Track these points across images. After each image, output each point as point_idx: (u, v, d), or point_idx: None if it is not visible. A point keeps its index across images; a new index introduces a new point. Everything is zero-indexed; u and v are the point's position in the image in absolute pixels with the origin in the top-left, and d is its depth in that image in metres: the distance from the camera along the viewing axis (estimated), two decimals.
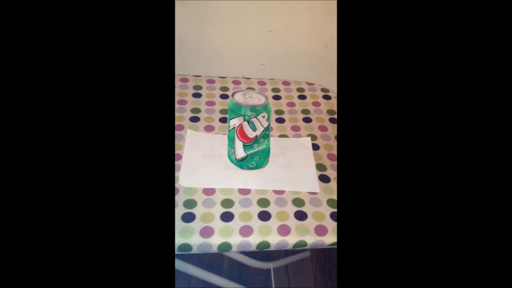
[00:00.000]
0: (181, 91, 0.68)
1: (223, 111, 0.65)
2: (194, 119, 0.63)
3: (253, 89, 0.72)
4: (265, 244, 0.46)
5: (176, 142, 0.58)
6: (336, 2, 0.72)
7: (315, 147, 0.60)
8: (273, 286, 1.07)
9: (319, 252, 1.20)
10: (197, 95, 0.68)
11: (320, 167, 0.57)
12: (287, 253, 1.17)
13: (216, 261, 1.11)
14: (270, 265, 1.10)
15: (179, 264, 0.75)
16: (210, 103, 0.67)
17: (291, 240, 0.47)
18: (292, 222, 0.48)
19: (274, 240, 0.46)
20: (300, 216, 0.49)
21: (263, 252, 1.14)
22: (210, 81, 0.72)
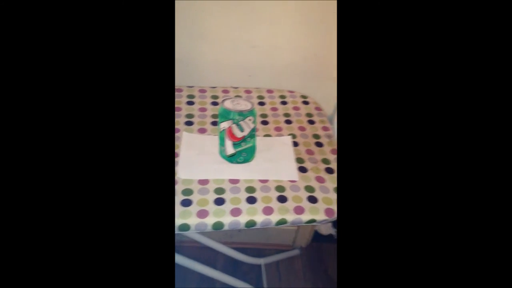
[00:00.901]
0: (176, 100, 0.77)
1: (214, 116, 0.74)
2: (189, 123, 0.71)
3: (240, 96, 0.81)
4: (252, 223, 0.54)
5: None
6: (314, 18, 0.83)
7: (295, 144, 0.70)
8: (264, 282, 1.14)
9: (307, 251, 1.27)
10: (190, 103, 0.77)
11: (299, 160, 0.66)
12: (278, 251, 1.23)
13: (211, 257, 1.18)
14: (261, 261, 1.16)
15: (178, 259, 0.82)
16: (202, 109, 0.76)
17: (274, 218, 0.55)
18: (275, 204, 0.57)
19: (260, 219, 0.55)
20: (282, 199, 0.58)
21: (255, 251, 1.21)
22: (202, 90, 0.81)
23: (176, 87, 0.81)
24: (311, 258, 1.26)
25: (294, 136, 0.71)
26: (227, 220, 0.54)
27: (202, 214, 0.54)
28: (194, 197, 0.56)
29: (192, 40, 0.86)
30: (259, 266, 1.19)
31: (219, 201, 0.56)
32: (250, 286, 0.97)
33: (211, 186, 0.59)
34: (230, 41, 0.87)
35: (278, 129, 0.73)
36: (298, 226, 1.22)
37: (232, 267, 1.19)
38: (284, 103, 0.81)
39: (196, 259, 0.89)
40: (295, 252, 1.23)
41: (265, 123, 0.74)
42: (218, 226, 0.54)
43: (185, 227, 0.53)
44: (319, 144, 0.70)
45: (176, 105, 0.76)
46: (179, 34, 0.85)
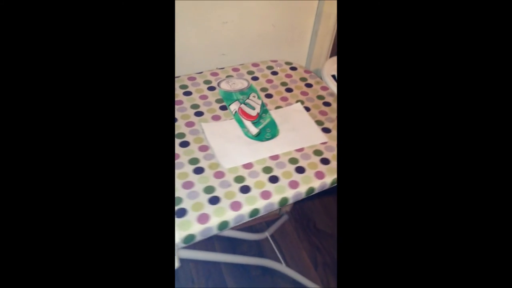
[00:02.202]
0: None
1: (218, 101, 0.72)
2: (199, 114, 0.69)
3: (232, 76, 0.79)
4: (312, 189, 0.57)
5: (196, 136, 0.64)
6: None
7: (306, 109, 0.72)
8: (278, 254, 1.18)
9: (292, 213, 1.34)
10: (187, 93, 0.73)
11: (318, 123, 0.69)
12: (268, 224, 1.28)
13: (209, 243, 1.18)
14: (266, 234, 1.20)
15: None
16: (203, 97, 0.73)
17: (329, 180, 0.58)
18: (322, 167, 0.60)
19: (316, 184, 0.57)
20: (325, 161, 0.61)
21: (245, 229, 1.22)
22: (191, 78, 0.77)
23: None
24: (298, 218, 1.33)
25: (301, 102, 0.74)
26: (289, 194, 0.55)
27: (265, 195, 0.54)
28: (249, 182, 0.56)
29: None
30: (257, 242, 1.21)
31: (274, 179, 0.57)
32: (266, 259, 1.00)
33: (258, 168, 0.59)
34: (201, 20, 0.83)
35: (284, 99, 0.75)
36: None
37: (230, 241, 1.19)
38: (274, 73, 0.82)
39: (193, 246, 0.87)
40: (285, 218, 1.29)
41: (269, 96, 0.75)
42: (284, 201, 0.55)
43: (255, 211, 0.53)
44: (327, 104, 0.74)
45: (175, 99, 0.71)
46: None
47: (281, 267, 1.09)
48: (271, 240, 1.23)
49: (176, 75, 0.78)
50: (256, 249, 1.21)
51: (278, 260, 1.13)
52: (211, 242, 1.18)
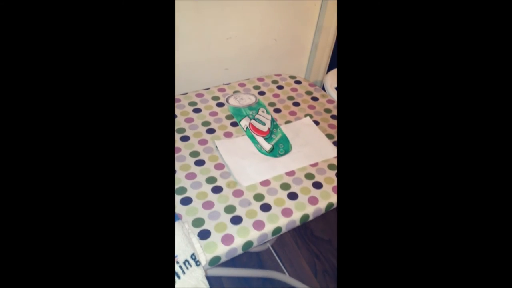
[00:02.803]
0: (181, 111, 0.72)
1: (228, 117, 0.72)
2: (210, 131, 0.68)
3: (239, 91, 0.80)
4: (331, 205, 0.57)
5: (210, 154, 0.63)
6: (278, 3, 0.84)
7: (315, 123, 0.73)
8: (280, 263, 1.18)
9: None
10: (197, 110, 0.73)
11: (329, 136, 0.70)
12: None
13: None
14: (268, 245, 1.19)
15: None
16: (213, 114, 0.73)
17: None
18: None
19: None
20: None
21: None
22: (199, 95, 0.77)
23: None
24: (295, 227, 1.32)
25: (310, 116, 0.75)
26: (310, 210, 0.56)
27: (287, 213, 0.54)
28: (269, 200, 0.56)
29: None
30: (257, 253, 1.20)
31: (293, 196, 0.57)
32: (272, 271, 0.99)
33: (276, 184, 0.59)
34: (205, 36, 0.83)
35: (292, 113, 0.75)
36: None
37: (232, 260, 1.18)
38: (280, 87, 0.82)
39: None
40: None
41: (277, 111, 0.76)
42: (305, 218, 0.55)
43: (278, 230, 0.53)
44: (335, 117, 0.75)
45: (185, 116, 0.71)
46: None
47: (285, 278, 1.09)
48: (272, 250, 1.22)
49: (182, 91, 0.78)
50: (256, 260, 1.20)
51: (279, 270, 1.13)
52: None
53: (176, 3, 0.73)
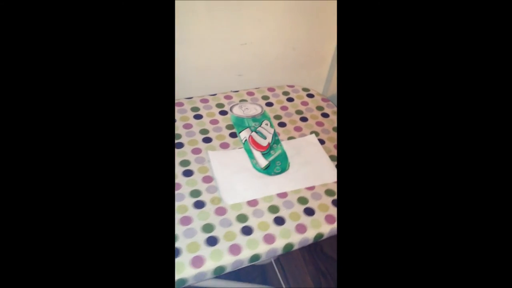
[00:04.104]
0: (182, 116, 0.70)
1: (229, 127, 0.69)
2: (207, 140, 0.65)
3: (246, 100, 0.76)
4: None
5: (201, 165, 0.60)
6: (298, 10, 0.80)
7: (321, 142, 0.68)
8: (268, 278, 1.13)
9: None
10: (198, 117, 0.70)
11: (332, 158, 0.64)
12: None
13: None
14: (270, 260, 1.15)
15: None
16: (214, 122, 0.69)
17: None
18: (333, 209, 0.55)
19: (326, 229, 0.52)
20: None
21: None
22: (204, 100, 0.75)
23: (176, 101, 0.73)
24: None
25: (316, 133, 0.69)
26: (295, 239, 0.51)
27: (269, 239, 0.50)
28: (252, 222, 0.52)
29: (177, 45, 0.78)
30: (261, 265, 1.17)
31: (279, 220, 0.52)
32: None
33: (263, 206, 0.54)
34: (220, 42, 0.80)
35: (298, 128, 0.70)
36: None
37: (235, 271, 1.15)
38: (290, 99, 0.78)
39: None
40: None
41: (282, 124, 0.71)
42: (288, 248, 0.50)
43: (256, 257, 0.49)
44: None
45: (184, 122, 0.68)
46: None
47: None
48: (274, 264, 1.17)
49: (189, 95, 0.76)
50: (260, 271, 1.16)
51: (280, 286, 1.07)
52: None
53: (190, 5, 0.71)
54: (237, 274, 1.13)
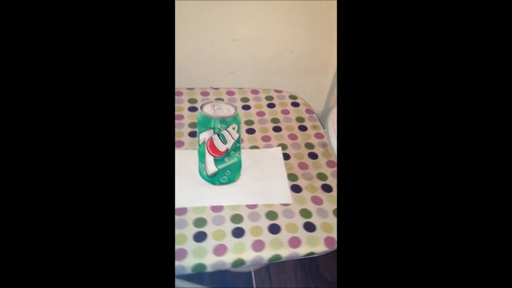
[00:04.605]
0: None
1: (192, 125, 0.64)
2: None
3: (222, 99, 0.71)
4: (240, 262, 0.46)
5: None
6: (298, 10, 0.73)
7: (286, 156, 0.61)
8: (255, 287, 1.08)
9: None
10: None
11: (291, 177, 0.57)
12: None
13: None
14: (251, 268, 1.10)
15: None
16: (179, 117, 0.66)
17: (266, 255, 0.47)
18: (266, 236, 0.49)
19: (249, 256, 0.46)
20: (274, 229, 0.49)
21: None
22: (178, 93, 0.71)
23: None
24: None
25: (284, 146, 0.63)
26: (209, 261, 0.45)
27: (180, 254, 0.45)
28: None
29: None
30: (249, 273, 1.12)
31: (200, 237, 0.47)
32: None
33: (190, 217, 0.50)
34: (208, 34, 0.76)
35: (266, 138, 0.64)
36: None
37: (220, 276, 1.12)
38: (271, 105, 0.72)
39: (181, 276, 0.81)
40: None
41: (251, 131, 0.65)
42: (199, 268, 0.45)
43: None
44: (313, 156, 0.61)
45: None
46: None
47: None
48: (263, 272, 1.12)
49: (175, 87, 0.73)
50: (247, 278, 1.11)
51: None
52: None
53: None
54: (222, 280, 1.10)
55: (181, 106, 0.68)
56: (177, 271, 0.45)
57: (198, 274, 1.08)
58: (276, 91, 0.75)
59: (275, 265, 1.16)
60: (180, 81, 0.77)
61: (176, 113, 0.66)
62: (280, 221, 0.51)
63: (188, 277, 1.02)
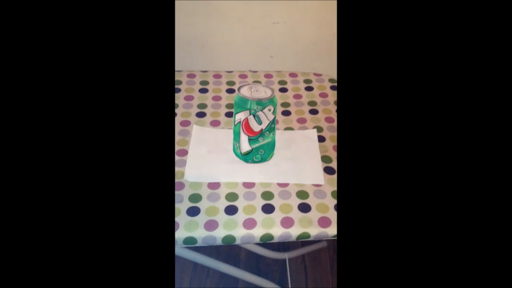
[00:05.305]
0: (188, 87, 0.69)
1: (229, 106, 0.66)
2: (201, 115, 0.64)
3: (259, 82, 0.72)
4: (269, 236, 0.47)
5: (182, 138, 0.59)
6: None
7: (321, 139, 0.60)
8: (289, 276, 1.08)
9: (336, 243, 1.19)
10: (203, 91, 0.69)
11: (325, 159, 0.57)
12: (303, 243, 1.17)
13: (234, 251, 1.13)
14: (286, 256, 1.10)
15: (196, 256, 0.77)
16: (217, 98, 0.67)
17: (294, 232, 0.47)
18: (296, 214, 0.49)
19: (277, 232, 0.47)
20: (304, 208, 0.49)
21: (279, 243, 1.15)
22: (217, 75, 0.73)
23: (189, 72, 0.73)
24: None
25: (320, 129, 0.62)
26: (239, 233, 0.47)
27: (211, 225, 0.47)
28: (202, 205, 0.49)
29: (206, 18, 0.77)
30: (284, 260, 1.13)
31: (231, 210, 0.49)
32: (275, 286, 0.91)
33: (223, 191, 0.51)
34: (248, 16, 0.76)
35: (301, 120, 0.64)
36: None
37: (256, 262, 1.13)
38: (309, 88, 0.71)
39: (217, 255, 0.83)
40: (322, 244, 1.16)
41: (286, 113, 0.65)
42: (229, 240, 0.47)
43: (191, 240, 0.46)
44: None
45: (187, 94, 0.68)
46: (192, 13, 0.76)
47: None
48: (299, 263, 1.12)
49: (214, 69, 0.74)
50: (281, 265, 1.12)
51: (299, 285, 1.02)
52: (235, 248, 1.13)
53: None
54: (258, 266, 1.12)
55: (219, 88, 0.70)
56: (208, 242, 0.46)
57: (235, 258, 1.11)
58: (316, 74, 0.74)
59: (311, 257, 1.15)
60: (220, 64, 0.79)
61: (213, 94, 0.68)
62: (311, 200, 0.50)
63: (224, 259, 1.05)
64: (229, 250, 1.12)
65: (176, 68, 0.74)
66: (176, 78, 0.71)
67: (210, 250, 1.03)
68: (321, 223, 0.48)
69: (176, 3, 0.75)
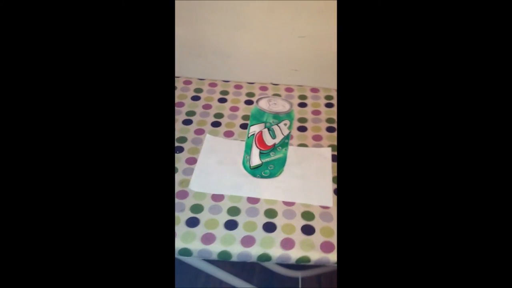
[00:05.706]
0: (208, 96, 0.69)
1: (245, 117, 0.65)
2: (216, 124, 0.63)
3: (279, 95, 0.70)
4: (266, 257, 0.45)
5: (194, 146, 0.59)
6: None
7: (335, 158, 0.57)
8: None
9: None
10: (222, 100, 0.69)
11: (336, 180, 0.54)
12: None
13: (249, 264, 1.11)
14: (299, 274, 1.06)
15: (209, 268, 0.75)
16: (234, 109, 0.67)
17: (294, 254, 0.45)
18: (298, 236, 0.46)
19: (276, 253, 0.45)
20: (308, 230, 0.47)
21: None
22: (238, 86, 0.72)
23: (210, 81, 0.73)
24: None
25: (335, 148, 0.59)
26: (236, 250, 0.45)
27: (208, 239, 0.46)
28: (202, 216, 0.48)
29: (232, 29, 0.77)
30: (297, 279, 1.09)
31: (231, 225, 0.47)
32: None
33: (225, 204, 0.50)
34: (274, 29, 0.76)
35: (317, 138, 0.61)
36: None
37: (270, 277, 1.10)
38: (329, 105, 0.68)
39: (230, 270, 0.82)
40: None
41: (302, 129, 0.63)
42: (224, 255, 0.45)
43: (186, 252, 0.45)
44: None
45: (207, 102, 0.68)
46: (217, 24, 0.77)
47: None
48: (314, 282, 1.08)
49: (236, 80, 0.74)
50: (295, 283, 1.09)
51: None
52: (249, 265, 1.11)
53: None
54: (271, 283, 1.09)
55: (237, 98, 0.69)
56: (203, 255, 0.45)
57: (249, 272, 1.09)
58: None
59: (327, 278, 1.11)
60: (242, 75, 0.79)
61: (231, 105, 0.68)
62: (316, 223, 0.48)
63: (238, 273, 1.03)
64: (244, 264, 1.10)
65: (199, 76, 0.75)
66: (198, 86, 0.72)
67: (224, 262, 1.01)
68: (323, 248, 0.45)
69: (205, 14, 0.76)
